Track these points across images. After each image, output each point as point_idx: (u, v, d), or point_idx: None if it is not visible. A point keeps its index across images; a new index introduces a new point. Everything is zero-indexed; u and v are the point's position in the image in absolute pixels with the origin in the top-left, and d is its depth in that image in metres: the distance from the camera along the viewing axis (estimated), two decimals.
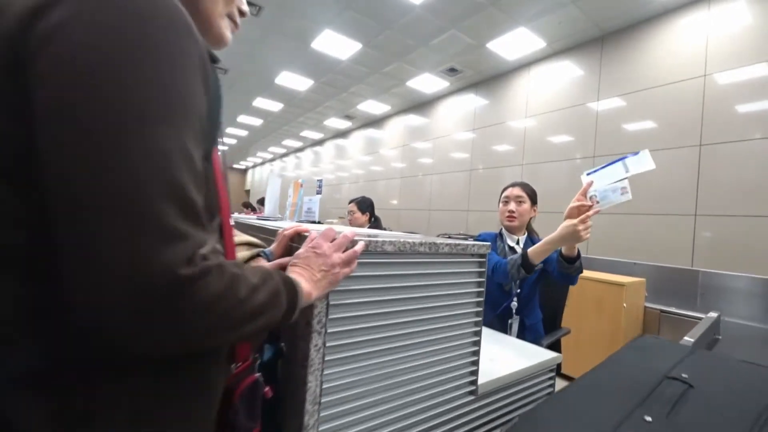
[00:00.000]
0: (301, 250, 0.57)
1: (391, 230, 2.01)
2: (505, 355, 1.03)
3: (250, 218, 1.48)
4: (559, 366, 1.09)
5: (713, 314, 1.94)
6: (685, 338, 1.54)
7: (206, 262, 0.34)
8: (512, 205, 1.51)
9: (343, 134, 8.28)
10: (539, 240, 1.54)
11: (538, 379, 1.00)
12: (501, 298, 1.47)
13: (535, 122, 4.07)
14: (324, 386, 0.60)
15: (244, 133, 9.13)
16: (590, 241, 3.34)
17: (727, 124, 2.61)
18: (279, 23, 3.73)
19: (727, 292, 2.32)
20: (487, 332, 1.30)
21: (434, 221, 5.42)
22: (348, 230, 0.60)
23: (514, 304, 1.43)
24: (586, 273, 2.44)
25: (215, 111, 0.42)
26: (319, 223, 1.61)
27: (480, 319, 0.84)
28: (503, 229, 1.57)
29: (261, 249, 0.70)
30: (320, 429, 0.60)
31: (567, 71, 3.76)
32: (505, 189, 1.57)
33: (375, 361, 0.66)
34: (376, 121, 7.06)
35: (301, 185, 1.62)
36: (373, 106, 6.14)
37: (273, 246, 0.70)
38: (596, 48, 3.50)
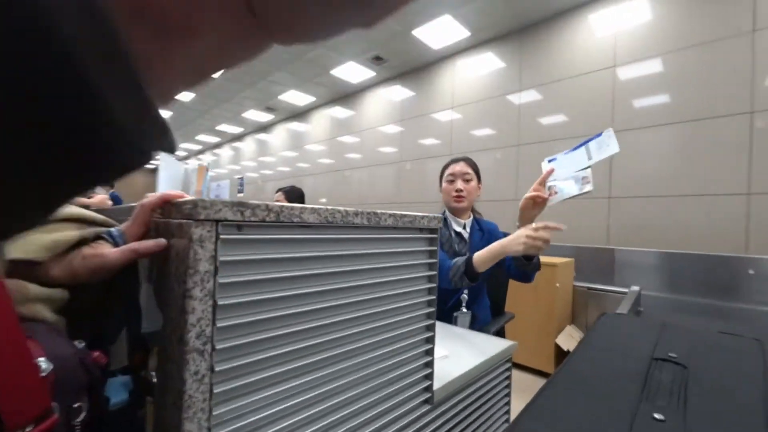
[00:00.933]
0: None
1: None
2: (457, 351, 0.89)
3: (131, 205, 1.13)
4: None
5: (635, 288, 2.11)
6: (617, 312, 1.61)
7: None
8: (459, 183, 1.35)
9: (264, 128, 7.67)
10: (486, 223, 1.46)
11: (496, 372, 0.89)
12: (449, 289, 1.33)
13: (461, 114, 4.16)
14: None
15: None
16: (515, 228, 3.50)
17: (634, 113, 2.91)
18: None
19: (639, 266, 2.58)
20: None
21: None
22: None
23: (465, 296, 1.28)
24: None
25: None
26: None
27: (433, 310, 0.68)
28: (447, 213, 1.41)
29: (101, 229, 0.42)
30: None
31: (490, 63, 3.90)
32: (447, 166, 1.41)
33: (296, 382, 0.45)
34: (300, 114, 6.66)
35: (207, 169, 1.31)
36: (296, 97, 5.75)
37: (126, 224, 0.44)
38: (516, 40, 3.69)
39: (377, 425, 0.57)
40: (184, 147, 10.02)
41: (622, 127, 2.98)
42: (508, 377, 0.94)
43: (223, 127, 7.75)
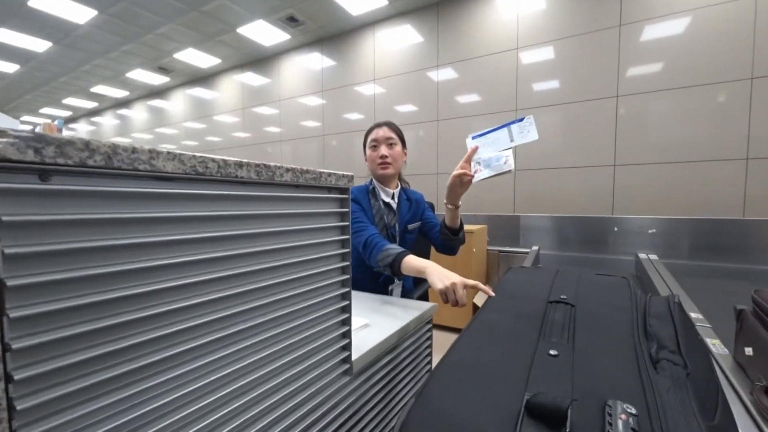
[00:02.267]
0: None
1: None
2: (378, 318, 0.86)
3: None
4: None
5: (535, 248, 2.37)
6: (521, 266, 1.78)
7: None
8: (383, 149, 1.26)
9: (159, 93, 6.59)
10: (412, 192, 1.41)
11: (418, 335, 0.88)
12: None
13: (383, 88, 4.10)
14: None
15: None
16: (438, 199, 3.66)
17: (535, 93, 3.17)
18: None
19: (538, 230, 2.94)
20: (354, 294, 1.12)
21: None
22: None
23: None
24: None
25: None
26: None
27: (348, 277, 0.63)
28: (375, 183, 1.32)
29: None
30: None
31: (409, 35, 3.86)
32: (369, 131, 1.32)
33: (191, 366, 0.35)
34: (204, 78, 5.86)
35: (59, 129, 1.02)
36: (196, 57, 5.01)
37: None
38: (433, 13, 3.69)
39: (294, 402, 0.50)
40: (45, 112, 8.10)
41: (522, 106, 3.25)
42: (429, 337, 0.95)
43: (102, 89, 6.43)
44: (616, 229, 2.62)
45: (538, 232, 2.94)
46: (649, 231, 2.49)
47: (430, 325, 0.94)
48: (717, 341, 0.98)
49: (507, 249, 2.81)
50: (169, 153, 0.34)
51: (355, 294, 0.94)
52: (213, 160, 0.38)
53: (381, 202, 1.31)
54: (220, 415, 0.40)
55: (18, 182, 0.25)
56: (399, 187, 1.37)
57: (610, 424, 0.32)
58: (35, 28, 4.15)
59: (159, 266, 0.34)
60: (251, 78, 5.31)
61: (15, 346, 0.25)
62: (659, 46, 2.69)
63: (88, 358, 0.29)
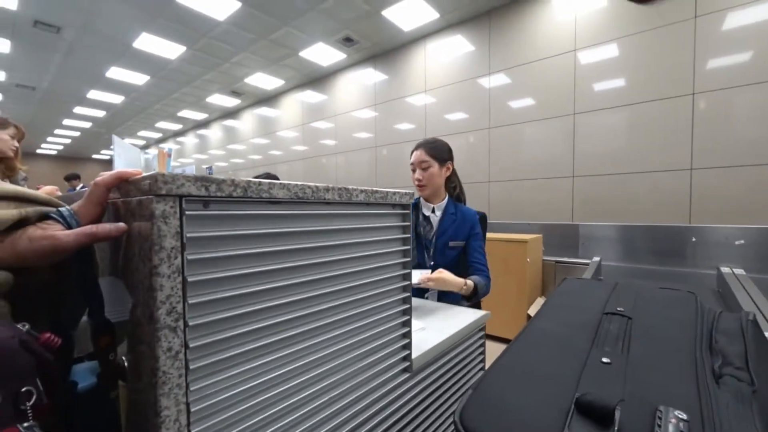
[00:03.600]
0: None
1: None
2: (434, 323, 0.92)
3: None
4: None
5: (596, 259, 2.25)
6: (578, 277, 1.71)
7: None
8: (418, 173, 1.37)
9: (232, 114, 7.36)
10: (464, 208, 1.43)
11: (471, 341, 0.93)
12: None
13: (434, 98, 4.17)
14: (193, 409, 0.37)
15: (99, 113, 7.34)
16: (489, 207, 3.61)
17: (591, 96, 3.03)
18: None
19: (600, 239, 2.76)
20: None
21: None
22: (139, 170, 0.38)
23: None
24: (491, 235, 2.62)
25: None
26: None
27: (408, 283, 0.70)
28: (420, 197, 1.44)
29: (48, 209, 0.40)
30: None
31: (460, 45, 3.90)
32: (412, 153, 1.43)
33: (275, 355, 0.45)
34: (269, 98, 6.43)
35: (169, 154, 1.25)
36: (263, 80, 5.53)
37: (78, 203, 0.41)
38: (485, 22, 3.70)
39: (359, 393, 0.59)
40: (142, 135, 9.45)
41: (581, 109, 3.10)
42: (482, 344, 0.99)
43: (186, 113, 7.36)
44: (694, 239, 2.37)
45: (599, 242, 2.76)
46: (736, 242, 2.22)
47: (482, 332, 0.98)
48: None
49: (564, 260, 2.68)
50: (280, 183, 0.44)
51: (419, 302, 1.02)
52: (309, 186, 0.48)
53: (421, 215, 1.41)
54: (301, 396, 0.49)
55: (194, 210, 0.37)
56: (445, 201, 1.43)
57: (659, 426, 0.36)
58: (137, 65, 4.92)
59: (275, 269, 0.45)
60: (310, 96, 5.71)
61: (191, 323, 0.37)
62: (744, 36, 2.42)
63: (233, 335, 0.40)
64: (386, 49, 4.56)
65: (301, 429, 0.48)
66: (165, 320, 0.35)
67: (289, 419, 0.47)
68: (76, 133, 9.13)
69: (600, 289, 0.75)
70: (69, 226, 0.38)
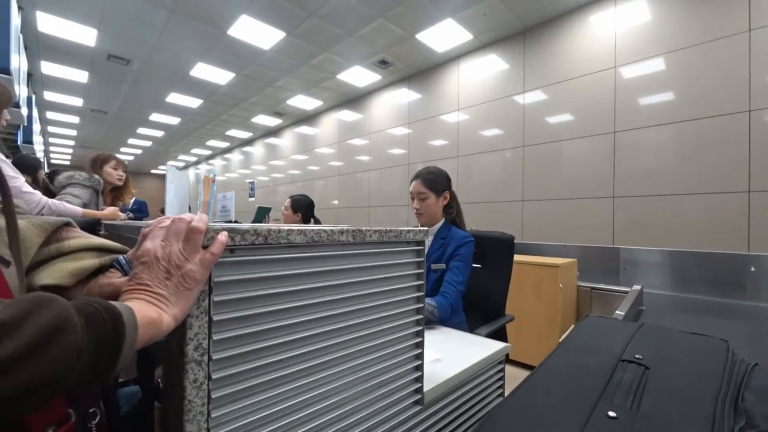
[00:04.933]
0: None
1: None
2: (451, 354, 0.93)
3: (138, 222, 1.20)
4: (507, 354, 1.02)
5: (637, 287, 2.10)
6: (617, 312, 1.62)
7: None
8: (416, 203, 1.47)
9: (274, 132, 7.81)
10: (457, 232, 1.44)
11: (488, 374, 0.92)
12: None
13: (467, 115, 4.18)
14: None
15: (158, 133, 8.13)
16: (523, 227, 3.50)
17: (635, 113, 2.89)
18: (187, 6, 3.30)
19: (644, 265, 2.57)
20: (433, 331, 1.20)
21: (374, 218, 5.34)
22: (199, 216, 0.42)
23: None
24: (522, 258, 2.55)
25: None
26: (236, 222, 1.38)
27: (422, 317, 0.73)
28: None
29: (115, 256, 0.48)
30: None
31: (494, 64, 3.91)
32: (411, 182, 1.50)
33: (289, 386, 0.50)
34: (308, 118, 6.76)
35: (213, 180, 1.37)
36: (303, 102, 5.85)
37: (132, 251, 0.49)
38: (519, 41, 3.69)
39: (369, 425, 0.61)
40: (194, 152, 10.27)
41: (623, 127, 2.96)
42: (501, 377, 0.97)
43: (233, 132, 7.92)
44: (753, 269, 2.15)
45: (642, 268, 2.57)
46: None
47: (502, 365, 0.97)
48: None
49: (601, 286, 2.52)
50: (298, 229, 0.50)
51: (438, 331, 1.03)
52: (324, 230, 0.53)
53: None
54: (312, 426, 0.53)
55: (222, 257, 0.43)
56: (440, 225, 1.47)
57: None
58: (192, 90, 5.41)
59: (291, 308, 0.50)
60: (346, 115, 5.93)
61: (215, 357, 0.42)
62: None
63: (251, 368, 0.45)
64: (420, 70, 4.66)
65: None
66: (192, 355, 0.40)
67: None
68: (139, 151, 10.13)
69: (622, 331, 0.72)
70: (125, 273, 0.45)
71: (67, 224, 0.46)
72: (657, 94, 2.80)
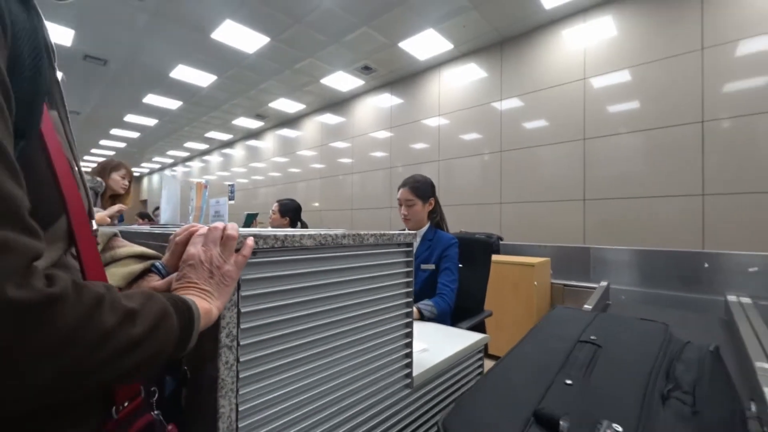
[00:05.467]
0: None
1: None
2: (436, 345, 1.03)
3: (143, 228, 1.24)
4: (486, 347, 1.13)
5: (603, 283, 2.28)
6: (585, 306, 1.77)
7: (52, 282, 0.25)
8: (403, 209, 1.57)
9: (255, 135, 7.75)
10: (443, 235, 1.55)
11: (469, 362, 1.03)
12: None
13: (447, 120, 4.33)
14: (240, 408, 0.50)
15: (133, 135, 7.89)
16: (501, 229, 3.67)
17: (604, 121, 3.11)
18: (169, 9, 3.29)
19: (612, 263, 2.78)
20: (418, 324, 1.30)
21: (357, 220, 5.41)
22: (231, 225, 0.50)
23: None
24: (501, 258, 2.69)
25: (30, 64, 0.30)
26: None
27: (411, 309, 0.82)
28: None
29: (154, 262, 0.55)
30: None
31: (473, 73, 4.08)
32: (399, 189, 1.60)
33: (301, 369, 0.58)
34: (290, 121, 6.76)
35: (206, 186, 1.42)
36: (286, 105, 5.86)
37: (166, 257, 0.55)
38: (497, 52, 3.87)
39: (368, 403, 0.70)
40: (171, 154, 10.01)
41: (592, 135, 3.18)
42: (481, 365, 1.08)
43: (213, 134, 7.79)
44: (706, 265, 2.37)
45: (610, 266, 2.78)
46: (750, 269, 2.21)
47: (481, 354, 1.07)
48: None
49: (572, 283, 2.71)
50: (309, 235, 0.58)
51: (419, 323, 1.13)
52: (330, 235, 0.62)
53: None
54: (319, 404, 0.61)
55: (249, 258, 0.51)
56: (425, 228, 1.59)
57: None
58: (172, 92, 5.32)
59: (304, 301, 0.58)
60: (329, 118, 5.99)
61: (242, 343, 0.50)
62: (752, 65, 2.48)
63: (270, 353, 0.53)
64: (402, 76, 4.78)
65: (321, 429, 0.60)
66: (225, 341, 0.48)
67: (309, 422, 0.59)
68: (111, 152, 9.77)
69: (582, 318, 0.84)
70: (162, 276, 0.51)
71: (115, 235, 0.53)
72: (620, 105, 3.03)
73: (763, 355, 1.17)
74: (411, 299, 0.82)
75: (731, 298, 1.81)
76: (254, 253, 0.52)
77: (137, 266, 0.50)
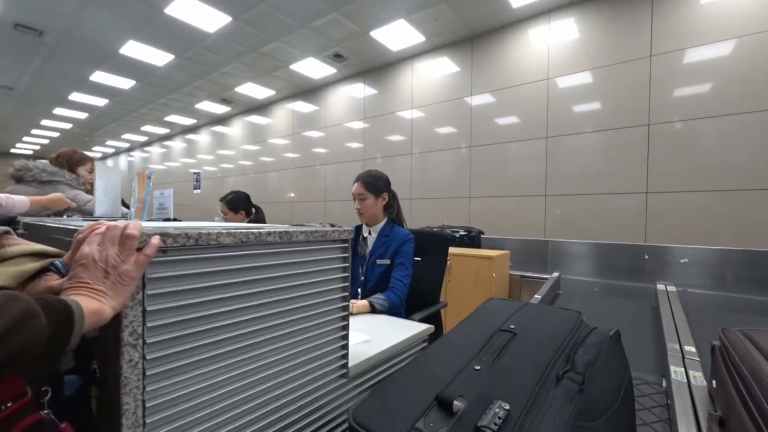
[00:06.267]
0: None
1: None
2: (379, 334, 1.05)
3: (68, 220, 1.17)
4: (432, 337, 1.17)
5: (555, 274, 2.42)
6: (535, 296, 1.87)
7: None
8: (357, 203, 1.59)
9: (221, 120, 7.44)
10: (399, 231, 1.59)
11: (411, 351, 1.06)
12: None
13: (421, 113, 4.35)
14: (148, 405, 0.49)
15: (81, 115, 7.28)
16: (470, 222, 3.77)
17: (565, 121, 3.23)
18: None
19: (567, 256, 2.96)
20: (368, 316, 1.33)
21: (330, 212, 5.37)
22: (133, 224, 0.49)
23: (359, 291, 1.55)
24: (463, 251, 2.78)
25: None
26: (175, 220, 1.38)
27: (347, 303, 0.83)
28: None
29: (52, 260, 0.52)
30: None
31: (445, 66, 4.10)
32: (353, 184, 1.62)
33: (220, 364, 0.58)
34: (260, 107, 6.54)
35: (149, 176, 1.36)
36: (253, 90, 5.65)
37: (67, 255, 0.53)
38: (467, 47, 3.91)
39: (302, 392, 0.71)
40: (126, 138, 9.43)
41: (554, 133, 3.30)
42: None
43: (174, 118, 7.40)
44: (646, 257, 2.57)
45: (565, 258, 2.95)
46: (681, 260, 2.42)
47: (425, 344, 1.11)
48: (699, 374, 1.05)
49: (528, 274, 2.86)
50: (227, 232, 0.57)
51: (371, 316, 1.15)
52: (251, 232, 0.61)
53: (361, 236, 1.64)
54: (242, 396, 0.62)
55: (155, 256, 0.50)
56: (383, 224, 1.62)
57: (485, 414, 0.49)
58: (123, 70, 4.98)
59: (222, 299, 0.58)
60: (301, 106, 5.84)
61: (149, 341, 0.49)
62: (695, 72, 2.65)
63: (183, 350, 0.53)
64: (375, 66, 4.73)
65: (242, 422, 0.61)
66: (128, 339, 0.47)
67: (233, 412, 0.59)
68: (56, 134, 9.05)
69: (510, 309, 0.89)
70: (63, 275, 0.49)
71: (7, 233, 0.50)
72: (578, 105, 3.17)
73: (675, 337, 1.29)
74: (347, 294, 0.83)
75: (660, 286, 1.98)
76: (164, 251, 0.51)
77: (32, 265, 0.47)
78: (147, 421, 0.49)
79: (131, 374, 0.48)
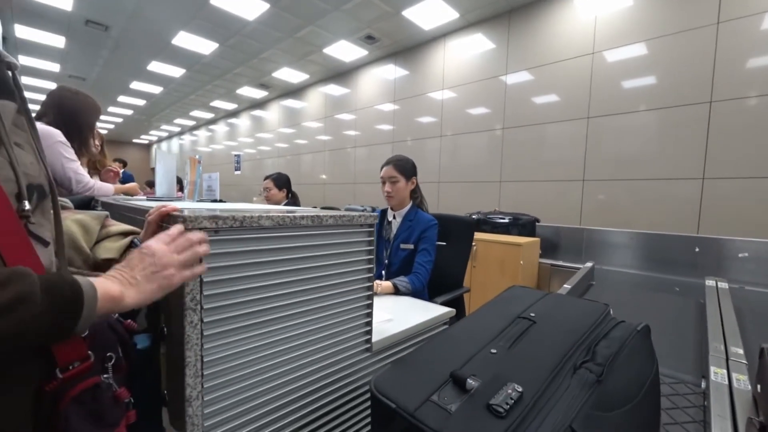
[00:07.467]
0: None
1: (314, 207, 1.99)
2: (401, 315, 1.12)
3: (136, 199, 1.33)
4: (453, 320, 1.22)
5: (588, 264, 2.33)
6: (564, 286, 1.84)
7: None
8: (387, 186, 1.61)
9: (260, 105, 7.70)
10: (423, 216, 1.61)
11: (431, 332, 1.12)
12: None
13: (452, 94, 4.25)
14: (205, 359, 0.60)
15: (140, 102, 7.92)
16: (505, 207, 3.71)
17: (611, 99, 3.03)
18: None
19: (604, 245, 2.79)
20: (392, 297, 1.40)
21: (360, 194, 5.47)
22: (203, 247, 0.55)
23: (383, 273, 1.61)
24: (489, 236, 2.75)
25: None
26: (221, 201, 1.51)
27: (371, 284, 0.90)
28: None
29: (132, 237, 0.64)
30: (205, 398, 0.60)
31: (479, 44, 3.95)
32: (382, 168, 1.64)
33: (261, 331, 0.67)
34: (295, 91, 6.68)
35: (199, 161, 1.49)
36: (289, 74, 5.78)
37: (142, 233, 0.64)
38: (504, 22, 3.73)
39: (330, 361, 0.80)
40: (178, 122, 10.04)
41: (595, 113, 3.11)
42: None
43: (217, 103, 7.77)
44: (697, 249, 2.40)
45: (601, 247, 2.81)
46: (740, 255, 2.23)
47: (446, 326, 1.17)
48: (743, 377, 1.01)
49: (559, 263, 2.77)
50: (266, 215, 0.65)
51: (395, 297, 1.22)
52: (287, 216, 0.69)
53: (386, 220, 1.68)
54: (280, 360, 0.71)
55: (209, 235, 0.59)
56: (407, 208, 1.65)
57: (497, 394, 0.54)
58: (175, 59, 5.28)
59: (263, 274, 0.66)
60: (333, 89, 5.90)
61: (206, 306, 0.59)
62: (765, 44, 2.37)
63: (233, 315, 0.62)
64: (406, 47, 4.65)
65: (278, 382, 0.70)
66: (189, 304, 0.57)
67: (271, 374, 0.69)
68: (120, 120, 9.85)
69: (532, 297, 0.92)
70: None
71: (107, 216, 0.63)
72: (627, 82, 2.94)
73: (721, 336, 1.23)
74: (372, 274, 0.90)
75: (709, 282, 1.85)
76: (216, 231, 0.60)
77: (124, 241, 0.59)
78: (205, 373, 0.60)
79: (192, 333, 0.57)
